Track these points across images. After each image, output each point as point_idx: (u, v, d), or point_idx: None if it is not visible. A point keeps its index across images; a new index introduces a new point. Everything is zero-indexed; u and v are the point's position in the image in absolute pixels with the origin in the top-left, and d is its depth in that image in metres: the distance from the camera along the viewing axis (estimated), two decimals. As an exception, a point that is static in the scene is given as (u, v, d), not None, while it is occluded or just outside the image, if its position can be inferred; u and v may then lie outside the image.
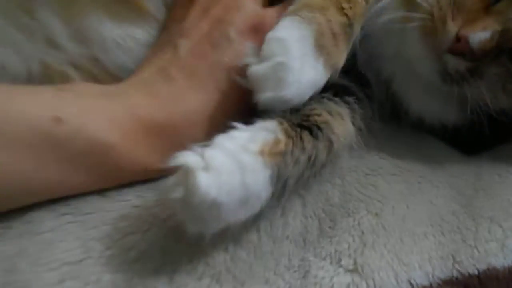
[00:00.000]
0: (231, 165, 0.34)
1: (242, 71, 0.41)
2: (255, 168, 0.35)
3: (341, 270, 0.38)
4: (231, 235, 0.38)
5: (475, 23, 0.41)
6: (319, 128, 0.40)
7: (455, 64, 0.43)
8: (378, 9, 0.46)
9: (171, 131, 0.42)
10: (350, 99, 0.46)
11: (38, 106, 0.39)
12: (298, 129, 0.39)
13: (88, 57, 0.49)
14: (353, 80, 0.48)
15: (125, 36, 0.49)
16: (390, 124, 0.51)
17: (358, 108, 0.47)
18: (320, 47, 0.40)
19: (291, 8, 0.42)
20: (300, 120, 0.40)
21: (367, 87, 0.50)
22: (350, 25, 0.43)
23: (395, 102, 0.50)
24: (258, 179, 0.35)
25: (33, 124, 0.37)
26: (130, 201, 0.41)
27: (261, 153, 0.36)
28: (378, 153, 0.47)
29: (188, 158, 0.34)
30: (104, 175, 0.41)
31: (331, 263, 0.38)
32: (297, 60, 0.39)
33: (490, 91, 0.44)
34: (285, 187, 0.38)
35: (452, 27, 0.42)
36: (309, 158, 0.39)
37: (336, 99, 0.45)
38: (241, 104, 0.43)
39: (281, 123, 0.38)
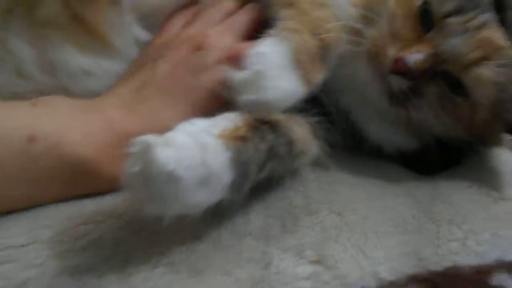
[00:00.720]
0: (192, 143, 0.34)
1: (223, 84, 0.44)
2: (216, 149, 0.35)
3: (303, 261, 0.36)
4: (190, 229, 0.37)
5: (411, 48, 0.47)
6: (279, 125, 0.41)
7: (398, 83, 0.47)
8: None
9: None
10: (308, 115, 0.49)
11: (12, 123, 0.39)
12: (259, 122, 0.40)
13: (58, 86, 0.49)
14: (316, 107, 0.51)
15: (94, 66, 0.50)
16: (352, 148, 0.53)
17: (318, 125, 0.49)
18: (297, 61, 0.44)
19: (270, 32, 0.46)
20: (261, 116, 0.41)
21: (329, 116, 0.53)
22: (323, 47, 0.46)
23: (354, 131, 0.53)
24: (219, 159, 0.35)
25: (6, 142, 0.38)
26: (87, 198, 0.40)
27: (222, 136, 0.36)
28: (340, 169, 0.48)
29: (147, 137, 0.33)
30: (78, 188, 0.40)
31: (293, 255, 0.37)
32: (275, 69, 0.42)
33: (431, 109, 0.48)
34: (246, 176, 0.37)
35: (391, 51, 0.47)
36: (270, 148, 0.39)
37: (298, 114, 0.47)
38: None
39: (242, 115, 0.40)
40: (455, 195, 0.46)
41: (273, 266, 0.36)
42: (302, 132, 0.44)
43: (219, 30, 0.49)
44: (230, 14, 0.52)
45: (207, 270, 0.35)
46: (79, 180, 0.40)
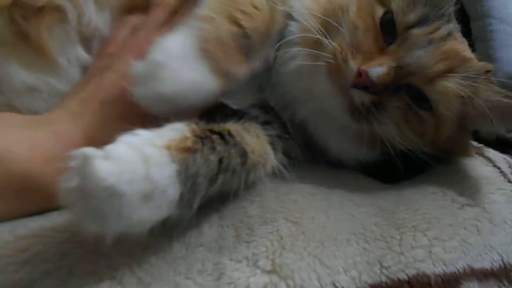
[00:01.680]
0: (134, 155, 0.32)
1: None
2: (160, 161, 0.33)
3: (258, 271, 0.35)
4: (139, 240, 0.35)
5: (373, 61, 0.46)
6: (231, 135, 0.40)
7: (360, 97, 0.45)
8: (289, 54, 0.50)
9: None
10: (268, 127, 0.48)
11: None
12: (208, 132, 0.38)
13: (4, 104, 0.49)
14: (273, 119, 0.51)
15: (39, 83, 0.49)
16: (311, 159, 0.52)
17: (277, 137, 0.48)
18: (204, 51, 0.41)
19: (180, 22, 0.43)
20: (211, 126, 0.39)
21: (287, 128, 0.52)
22: (244, 35, 0.43)
23: (312, 144, 0.52)
24: (164, 172, 0.33)
25: None
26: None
27: (168, 147, 0.34)
28: (299, 179, 0.47)
29: (86, 149, 0.31)
30: (27, 205, 0.39)
31: (247, 265, 0.35)
32: (175, 60, 0.39)
33: (395, 124, 0.47)
34: (195, 190, 0.35)
35: (353, 65, 0.45)
36: (221, 160, 0.37)
37: (256, 124, 0.47)
38: None
39: (189, 125, 0.38)
40: (419, 202, 0.45)
41: (225, 277, 0.34)
42: (257, 143, 0.43)
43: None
44: (174, 12, 0.51)
45: (155, 283, 0.33)
46: (27, 197, 0.38)
